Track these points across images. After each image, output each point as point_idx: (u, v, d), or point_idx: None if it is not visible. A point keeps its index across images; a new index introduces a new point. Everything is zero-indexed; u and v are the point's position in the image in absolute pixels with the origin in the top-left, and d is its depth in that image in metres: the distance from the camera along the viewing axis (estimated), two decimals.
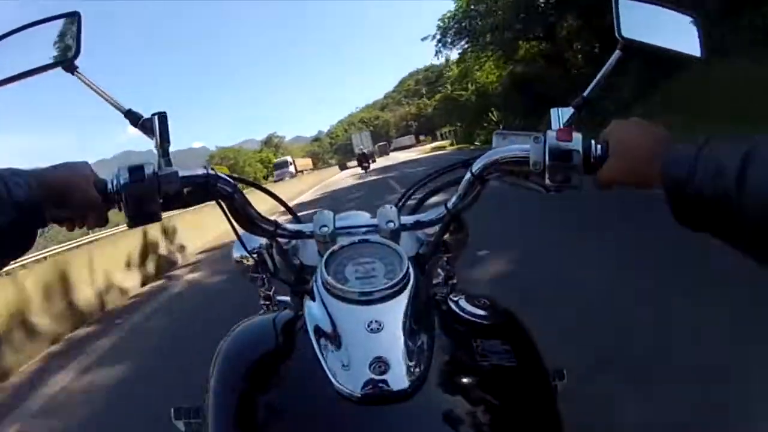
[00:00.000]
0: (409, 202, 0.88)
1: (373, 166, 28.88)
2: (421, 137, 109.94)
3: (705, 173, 0.51)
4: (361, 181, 19.93)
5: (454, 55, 31.21)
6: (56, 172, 0.59)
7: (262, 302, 0.96)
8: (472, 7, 24.14)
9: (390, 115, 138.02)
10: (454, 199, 0.76)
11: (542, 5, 19.47)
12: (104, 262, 5.81)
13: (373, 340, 0.52)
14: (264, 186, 0.89)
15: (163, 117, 0.72)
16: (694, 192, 0.51)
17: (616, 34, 0.73)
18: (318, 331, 0.56)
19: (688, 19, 0.76)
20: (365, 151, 31.85)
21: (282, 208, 0.91)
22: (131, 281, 6.19)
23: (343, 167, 44.48)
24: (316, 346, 0.55)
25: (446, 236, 0.84)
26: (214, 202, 0.70)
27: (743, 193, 0.48)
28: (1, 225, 0.50)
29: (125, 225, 0.67)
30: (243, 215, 0.74)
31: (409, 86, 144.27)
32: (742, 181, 0.48)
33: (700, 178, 0.51)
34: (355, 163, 38.77)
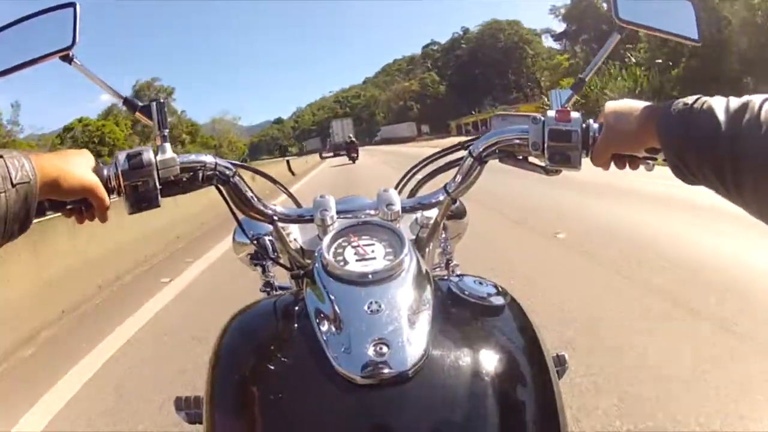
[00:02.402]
0: (408, 185, 0.88)
1: None
2: (424, 129, 73.81)
3: (699, 127, 0.51)
4: None
5: None
6: (53, 158, 0.58)
7: (262, 288, 0.97)
8: None
9: (378, 92, 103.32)
10: (454, 181, 0.76)
11: None
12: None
13: (373, 321, 0.52)
14: (266, 172, 0.88)
15: (160, 105, 0.71)
16: (691, 145, 0.52)
17: (613, 17, 0.73)
18: (318, 313, 0.56)
19: (685, 2, 0.76)
20: (354, 138, 28.19)
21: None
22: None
23: (322, 157, 39.44)
24: (316, 329, 0.55)
25: (446, 219, 0.84)
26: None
27: (737, 144, 0.48)
28: None
29: None
30: (243, 201, 0.73)
31: (401, 66, 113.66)
32: (735, 132, 0.48)
33: (694, 132, 0.51)
34: (329, 153, 35.93)
